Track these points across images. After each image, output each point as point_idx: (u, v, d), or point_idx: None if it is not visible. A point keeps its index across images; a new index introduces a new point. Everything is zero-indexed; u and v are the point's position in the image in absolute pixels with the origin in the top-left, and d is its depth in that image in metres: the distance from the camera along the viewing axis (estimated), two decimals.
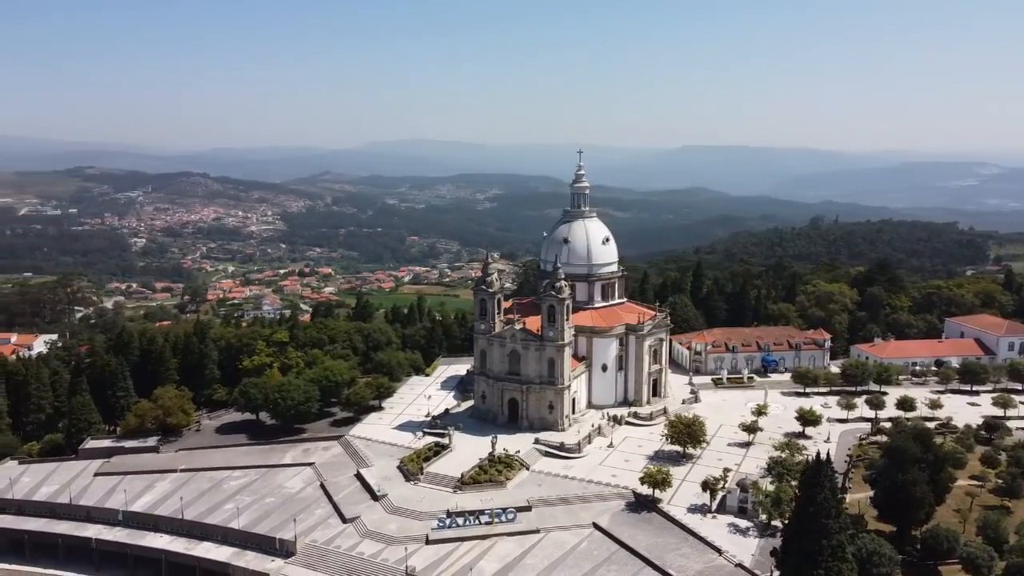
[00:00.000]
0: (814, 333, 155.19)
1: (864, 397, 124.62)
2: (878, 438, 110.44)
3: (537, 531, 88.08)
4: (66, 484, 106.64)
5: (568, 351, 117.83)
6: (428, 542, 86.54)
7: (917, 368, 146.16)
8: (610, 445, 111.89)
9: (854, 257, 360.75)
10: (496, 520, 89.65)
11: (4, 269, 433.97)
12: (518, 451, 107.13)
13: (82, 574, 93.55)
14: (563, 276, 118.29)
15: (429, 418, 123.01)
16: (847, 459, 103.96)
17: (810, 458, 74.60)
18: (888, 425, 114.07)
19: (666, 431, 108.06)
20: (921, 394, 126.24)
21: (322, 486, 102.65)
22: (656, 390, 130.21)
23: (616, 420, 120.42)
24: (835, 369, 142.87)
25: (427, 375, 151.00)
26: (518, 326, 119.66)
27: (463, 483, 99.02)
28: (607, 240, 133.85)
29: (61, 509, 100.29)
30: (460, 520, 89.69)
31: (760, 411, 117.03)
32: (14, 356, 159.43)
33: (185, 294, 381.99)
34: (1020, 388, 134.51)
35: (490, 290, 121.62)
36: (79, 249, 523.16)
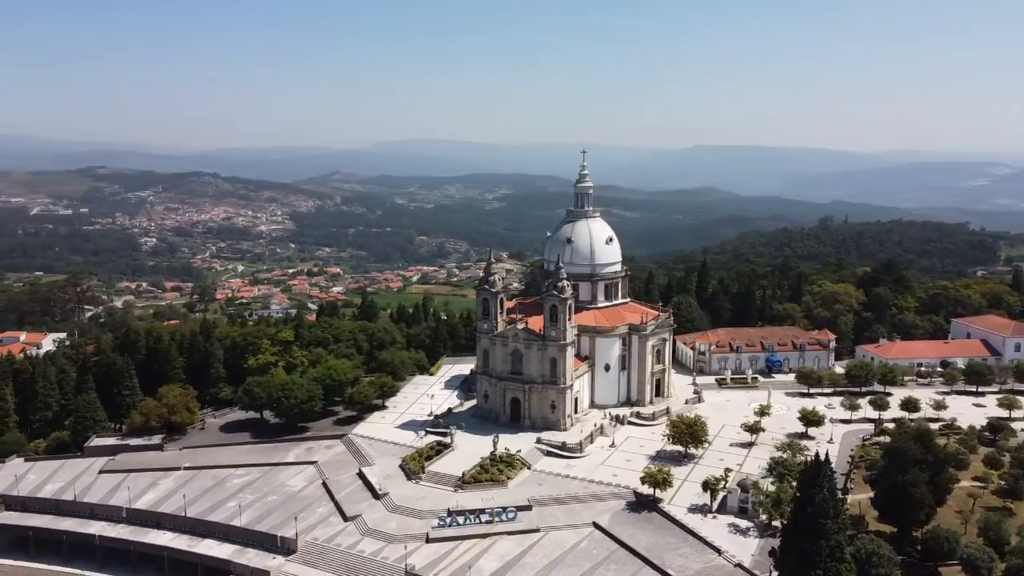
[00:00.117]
0: (819, 334, 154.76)
1: (868, 398, 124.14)
2: (881, 439, 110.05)
3: (537, 530, 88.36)
4: (71, 481, 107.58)
5: (570, 351, 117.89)
6: (428, 540, 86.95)
7: (922, 369, 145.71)
8: (612, 445, 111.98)
9: (863, 257, 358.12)
10: (496, 519, 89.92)
11: (15, 268, 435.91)
12: (520, 450, 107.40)
13: (85, 570, 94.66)
14: (565, 276, 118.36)
15: (432, 417, 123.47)
16: (849, 460, 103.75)
17: (810, 459, 74.53)
18: (891, 426, 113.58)
19: (668, 431, 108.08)
20: (926, 395, 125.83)
21: (324, 484, 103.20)
22: (659, 390, 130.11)
23: (618, 420, 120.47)
24: (840, 370, 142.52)
25: (431, 374, 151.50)
26: (520, 326, 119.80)
27: (464, 482, 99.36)
28: (610, 240, 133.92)
29: (66, 506, 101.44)
30: (460, 519, 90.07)
31: (763, 411, 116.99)
32: (22, 354, 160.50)
33: (194, 293, 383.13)
34: None
35: (492, 290, 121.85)
36: (90, 248, 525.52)
